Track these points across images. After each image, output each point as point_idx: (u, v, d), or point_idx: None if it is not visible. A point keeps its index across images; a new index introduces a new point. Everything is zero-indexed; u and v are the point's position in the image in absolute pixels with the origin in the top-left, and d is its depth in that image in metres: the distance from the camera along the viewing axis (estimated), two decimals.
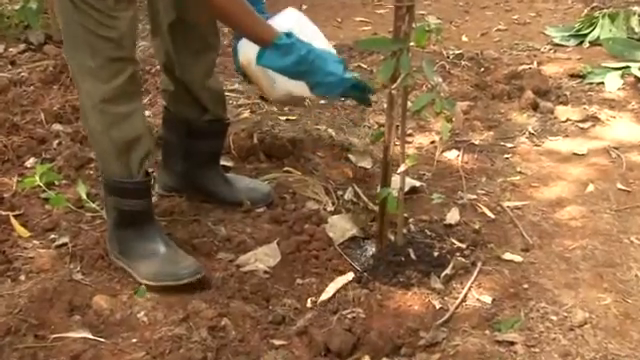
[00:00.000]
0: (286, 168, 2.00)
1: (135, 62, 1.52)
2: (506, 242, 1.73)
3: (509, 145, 2.24)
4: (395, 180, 1.61)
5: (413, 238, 1.71)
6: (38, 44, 2.79)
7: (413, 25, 1.47)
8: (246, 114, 2.32)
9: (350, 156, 2.12)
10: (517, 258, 1.66)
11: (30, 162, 2.02)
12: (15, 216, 1.75)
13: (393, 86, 1.50)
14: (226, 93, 1.97)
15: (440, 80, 2.59)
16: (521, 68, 2.78)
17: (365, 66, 2.78)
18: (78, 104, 2.25)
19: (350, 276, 1.59)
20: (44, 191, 1.83)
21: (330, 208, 1.87)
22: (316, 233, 1.71)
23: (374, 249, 1.69)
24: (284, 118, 2.29)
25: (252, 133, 2.10)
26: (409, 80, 1.48)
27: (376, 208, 1.71)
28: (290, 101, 2.02)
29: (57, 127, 2.20)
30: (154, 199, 1.73)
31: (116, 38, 1.44)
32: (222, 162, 2.00)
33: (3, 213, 1.75)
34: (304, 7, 3.34)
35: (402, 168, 1.57)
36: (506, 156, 2.18)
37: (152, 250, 1.55)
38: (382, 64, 1.53)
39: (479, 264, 1.62)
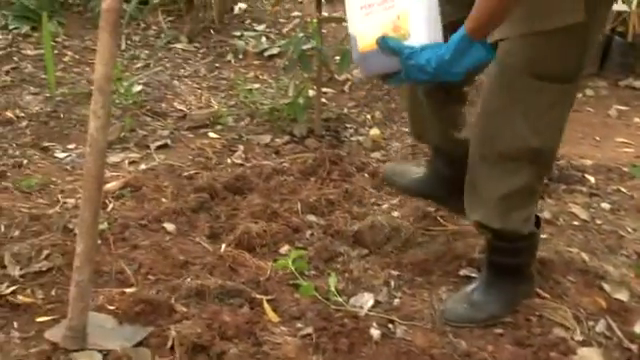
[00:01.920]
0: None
1: None
2: None
3: None
4: None
5: None
6: (301, 137, 3.02)
7: None
8: None
9: (604, 285, 1.99)
10: None
11: (284, 249, 2.15)
12: (267, 300, 1.86)
13: None
14: None
15: None
16: None
17: (625, 190, 2.63)
18: (332, 198, 2.43)
19: None
20: (295, 277, 1.95)
21: (579, 338, 1.76)
22: None
23: None
24: None
25: None
26: None
27: (633, 347, 1.58)
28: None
29: (311, 218, 2.34)
30: None
31: None
32: (467, 273, 2.00)
33: (258, 296, 1.88)
34: None
35: None
36: None
37: None
38: None
39: None
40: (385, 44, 1.52)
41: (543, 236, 2.22)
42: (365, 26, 1.58)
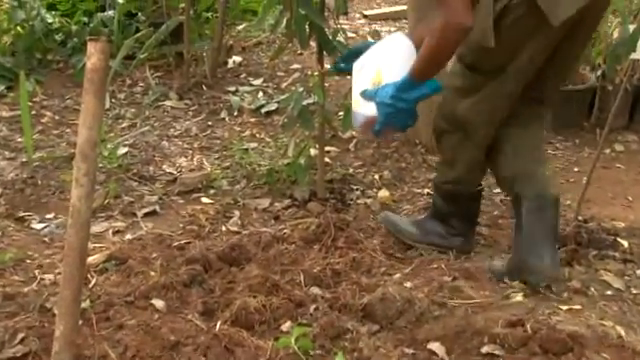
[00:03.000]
0: None
1: None
2: None
3: None
4: None
5: None
6: (302, 200, 3.05)
7: None
8: (518, 297, 2.30)
9: None
10: None
11: (286, 326, 2.16)
12: None
13: None
14: None
15: None
16: None
17: None
18: (338, 268, 2.44)
19: None
20: (299, 358, 1.94)
21: None
22: None
23: None
24: (564, 307, 2.23)
25: (525, 321, 2.07)
26: None
27: None
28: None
29: (315, 290, 2.35)
30: None
31: None
32: (489, 350, 1.99)
33: None
34: None
35: None
36: None
37: None
38: None
39: None
40: (363, 94, 2.28)
41: (575, 307, 2.23)
42: (355, 92, 2.33)
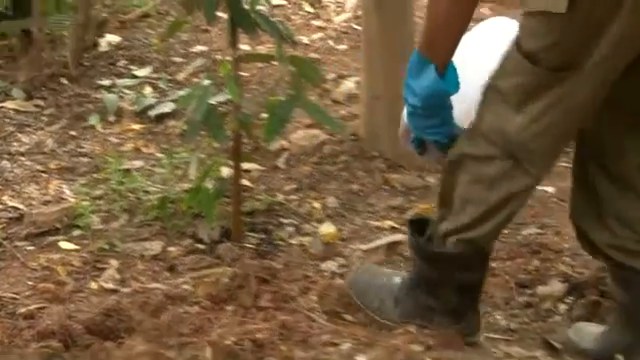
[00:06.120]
0: None
1: None
2: None
3: None
4: None
5: None
6: (210, 242, 3.05)
7: None
8: None
9: None
10: None
11: None
12: None
13: None
14: None
15: None
16: None
17: None
18: (261, 337, 2.46)
19: None
20: None
21: None
22: None
23: None
24: None
25: None
26: None
27: None
28: None
29: None
30: None
31: None
32: None
33: None
34: None
35: None
36: None
37: None
38: None
39: None
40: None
41: None
42: None
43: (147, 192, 3.38)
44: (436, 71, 2.24)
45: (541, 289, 2.80)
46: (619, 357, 2.45)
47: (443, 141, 2.35)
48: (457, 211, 2.41)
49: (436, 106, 2.29)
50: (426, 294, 2.52)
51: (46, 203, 3.34)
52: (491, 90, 2.30)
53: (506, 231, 2.87)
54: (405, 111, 2.40)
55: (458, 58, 2.30)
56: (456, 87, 2.29)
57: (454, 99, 2.31)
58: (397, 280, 2.64)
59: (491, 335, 2.57)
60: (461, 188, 2.39)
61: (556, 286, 2.79)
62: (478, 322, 2.55)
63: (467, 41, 2.33)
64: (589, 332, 2.56)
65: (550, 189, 3.43)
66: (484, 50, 2.39)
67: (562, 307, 2.72)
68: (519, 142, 2.27)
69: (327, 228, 3.18)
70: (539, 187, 3.10)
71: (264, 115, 3.29)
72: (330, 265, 2.95)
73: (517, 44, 2.24)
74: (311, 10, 5.38)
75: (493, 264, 2.92)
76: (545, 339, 2.54)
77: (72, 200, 3.35)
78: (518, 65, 2.25)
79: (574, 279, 2.82)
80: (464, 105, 2.32)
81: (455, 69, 2.29)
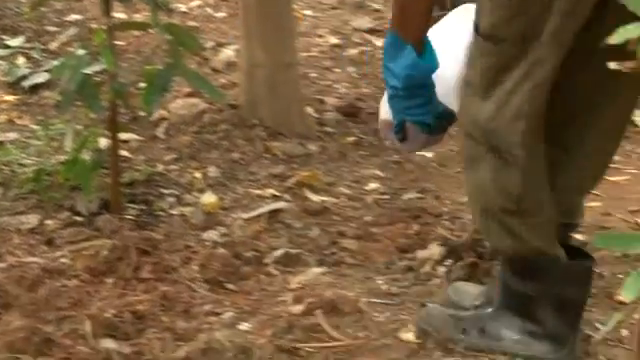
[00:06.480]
0: None
1: None
2: None
3: None
4: None
5: None
6: (88, 214, 3.01)
7: None
8: (407, 335, 2.41)
9: None
10: None
11: None
12: None
13: None
14: None
15: None
16: None
17: None
18: (142, 309, 2.44)
19: None
20: None
21: None
22: None
23: None
24: None
25: None
26: None
27: None
28: None
29: (109, 344, 2.34)
30: None
31: None
32: None
33: None
34: None
35: None
36: None
37: None
38: None
39: None
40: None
41: None
42: None
43: (22, 165, 3.32)
44: (414, 50, 2.25)
45: (421, 253, 2.84)
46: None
47: (428, 121, 2.33)
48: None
49: (418, 85, 2.29)
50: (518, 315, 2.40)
51: None
52: (463, 85, 2.31)
53: (387, 196, 2.89)
54: (385, 98, 2.41)
55: (436, 41, 2.32)
56: (436, 63, 2.29)
57: (436, 79, 2.32)
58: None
59: (372, 300, 2.59)
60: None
61: (435, 249, 2.82)
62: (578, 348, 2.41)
63: (443, 24, 2.45)
64: (467, 291, 2.59)
65: (429, 154, 3.49)
66: (461, 29, 2.40)
67: (441, 270, 2.76)
68: (491, 130, 2.23)
69: (208, 198, 3.17)
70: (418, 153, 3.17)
71: (142, 85, 3.28)
72: (212, 235, 2.94)
73: (476, 29, 2.25)
74: None
75: (374, 229, 2.97)
76: (423, 304, 2.56)
77: None
78: (481, 49, 2.25)
79: (452, 242, 2.86)
80: (446, 82, 2.34)
81: (432, 46, 2.30)
